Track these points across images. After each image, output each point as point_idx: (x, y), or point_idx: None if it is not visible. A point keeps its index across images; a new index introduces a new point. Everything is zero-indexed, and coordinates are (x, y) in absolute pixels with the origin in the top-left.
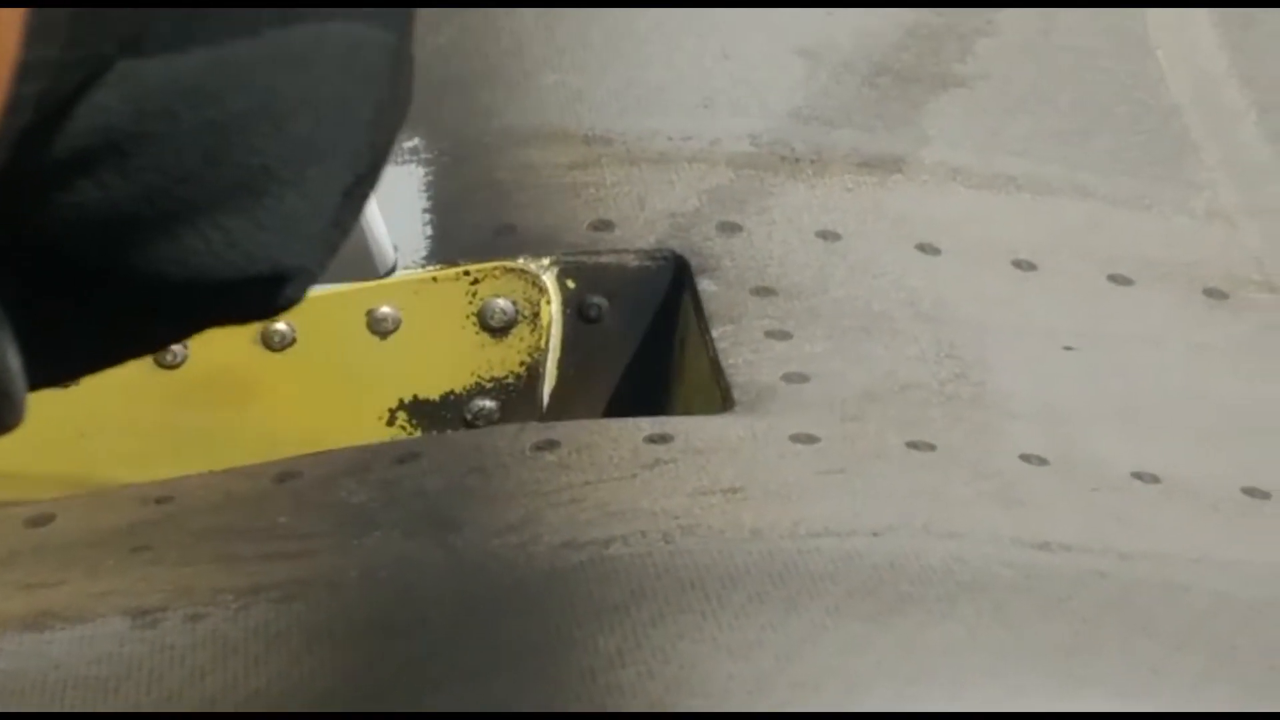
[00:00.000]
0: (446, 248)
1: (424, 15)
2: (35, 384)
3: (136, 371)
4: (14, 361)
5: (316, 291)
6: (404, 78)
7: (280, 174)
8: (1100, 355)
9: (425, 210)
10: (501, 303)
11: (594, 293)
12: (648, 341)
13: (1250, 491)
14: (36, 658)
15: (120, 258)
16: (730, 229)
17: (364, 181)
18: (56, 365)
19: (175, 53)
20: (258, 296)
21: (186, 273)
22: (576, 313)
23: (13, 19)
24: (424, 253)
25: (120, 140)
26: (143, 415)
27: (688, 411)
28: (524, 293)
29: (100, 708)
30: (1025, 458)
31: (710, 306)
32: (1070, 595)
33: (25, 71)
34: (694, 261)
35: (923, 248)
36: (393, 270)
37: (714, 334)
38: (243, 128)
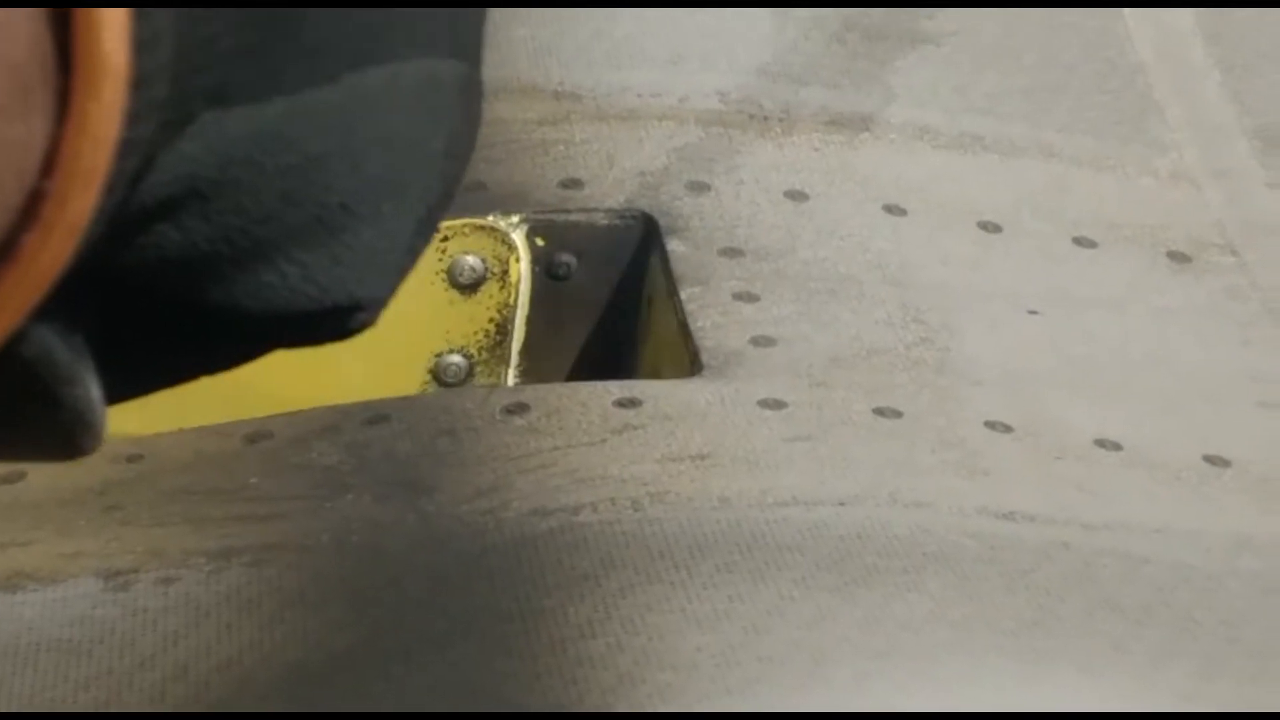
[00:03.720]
0: None
1: None
2: (108, 403)
3: None
4: (95, 392)
5: None
6: (474, 105)
7: (357, 210)
8: (1064, 320)
9: None
10: (471, 260)
11: (563, 251)
12: (616, 300)
13: (1211, 459)
14: (9, 620)
15: (198, 293)
16: (699, 188)
17: (436, 210)
18: (129, 387)
19: (258, 103)
20: (331, 324)
21: (263, 305)
22: (545, 271)
23: (119, 82)
24: None
25: (203, 187)
26: None
27: (655, 371)
28: (493, 250)
29: (73, 671)
30: (990, 425)
31: (679, 268)
32: (1034, 568)
33: (126, 148)
34: (663, 221)
35: (890, 209)
36: None
37: (682, 295)
38: (321, 169)
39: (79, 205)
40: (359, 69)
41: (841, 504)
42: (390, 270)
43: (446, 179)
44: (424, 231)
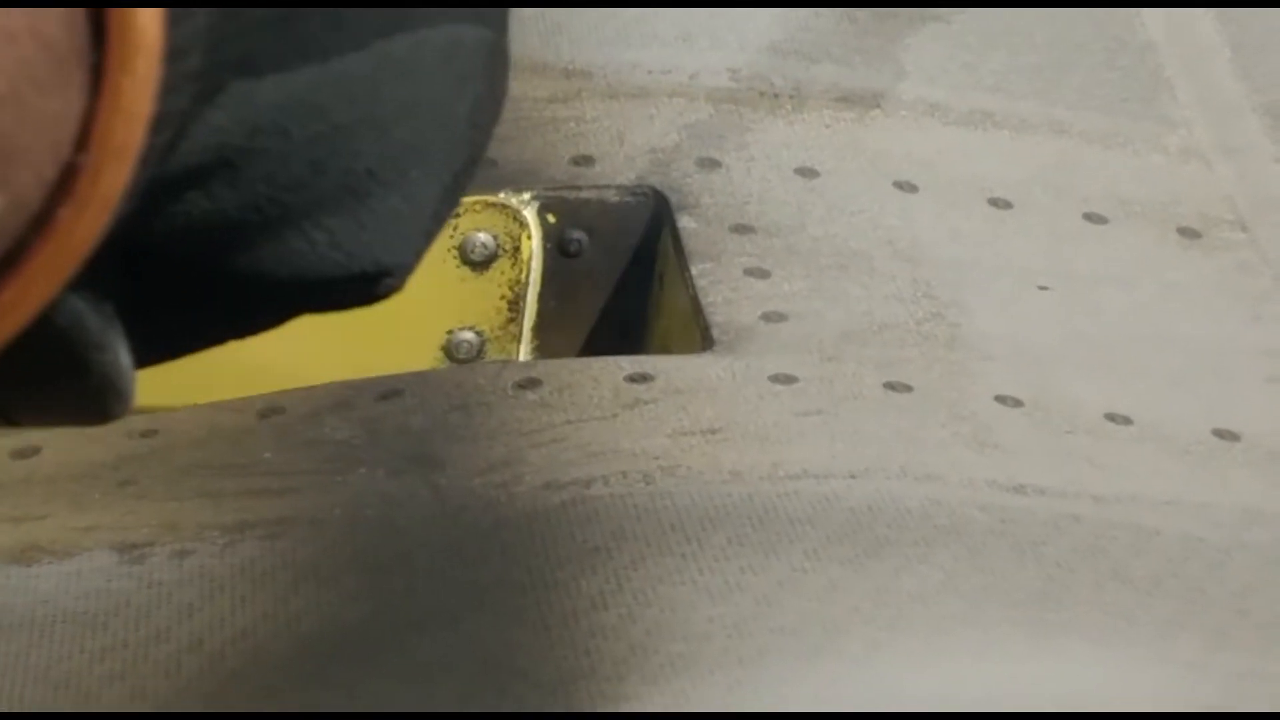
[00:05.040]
0: None
1: None
2: (137, 368)
3: None
4: (125, 358)
5: None
6: (500, 72)
7: (383, 177)
8: (1074, 295)
9: None
10: (482, 237)
11: (574, 227)
12: (627, 276)
13: (1221, 433)
14: (25, 592)
15: (226, 260)
16: (710, 165)
17: (461, 176)
18: (158, 352)
19: (286, 71)
20: (359, 290)
21: (290, 271)
22: (557, 247)
23: (153, 57)
24: None
25: (231, 156)
26: None
27: (666, 348)
28: (505, 227)
29: (89, 643)
30: (1000, 399)
31: (690, 244)
32: (1045, 540)
33: (160, 121)
34: (674, 198)
35: (900, 185)
36: None
37: (693, 271)
38: (349, 136)
39: (113, 179)
40: (387, 36)
41: (852, 477)
42: (417, 236)
43: (472, 145)
44: (450, 198)
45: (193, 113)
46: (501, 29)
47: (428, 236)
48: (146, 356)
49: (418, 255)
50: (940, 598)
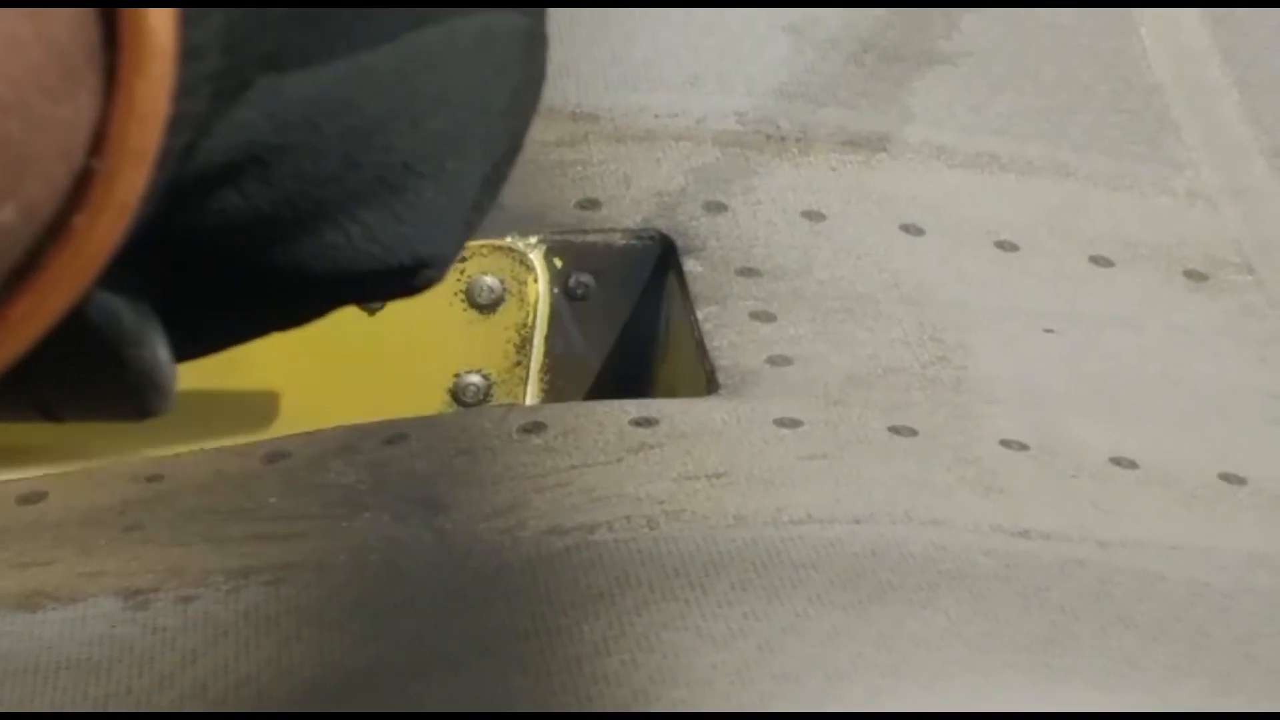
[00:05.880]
0: None
1: None
2: (177, 361)
3: None
4: (163, 353)
5: None
6: (538, 59)
7: (419, 169)
8: (1080, 338)
9: None
10: (489, 280)
11: (581, 271)
12: (633, 320)
13: (1227, 477)
14: (29, 639)
15: (263, 255)
16: (716, 208)
17: (501, 166)
18: (198, 347)
19: (314, 66)
20: (397, 282)
21: (328, 266)
22: (563, 291)
23: (166, 58)
24: None
25: (262, 153)
26: None
27: (672, 390)
28: (511, 270)
29: (92, 690)
30: (1006, 443)
31: (695, 287)
32: (1049, 585)
33: (177, 123)
34: (680, 241)
35: (906, 228)
36: None
37: (699, 315)
38: (381, 129)
39: (129, 184)
40: (416, 28)
41: (857, 521)
42: (456, 227)
43: (511, 134)
44: (490, 188)
45: (218, 111)
46: (539, 15)
47: (468, 227)
48: (187, 351)
49: (457, 246)
50: (944, 644)
